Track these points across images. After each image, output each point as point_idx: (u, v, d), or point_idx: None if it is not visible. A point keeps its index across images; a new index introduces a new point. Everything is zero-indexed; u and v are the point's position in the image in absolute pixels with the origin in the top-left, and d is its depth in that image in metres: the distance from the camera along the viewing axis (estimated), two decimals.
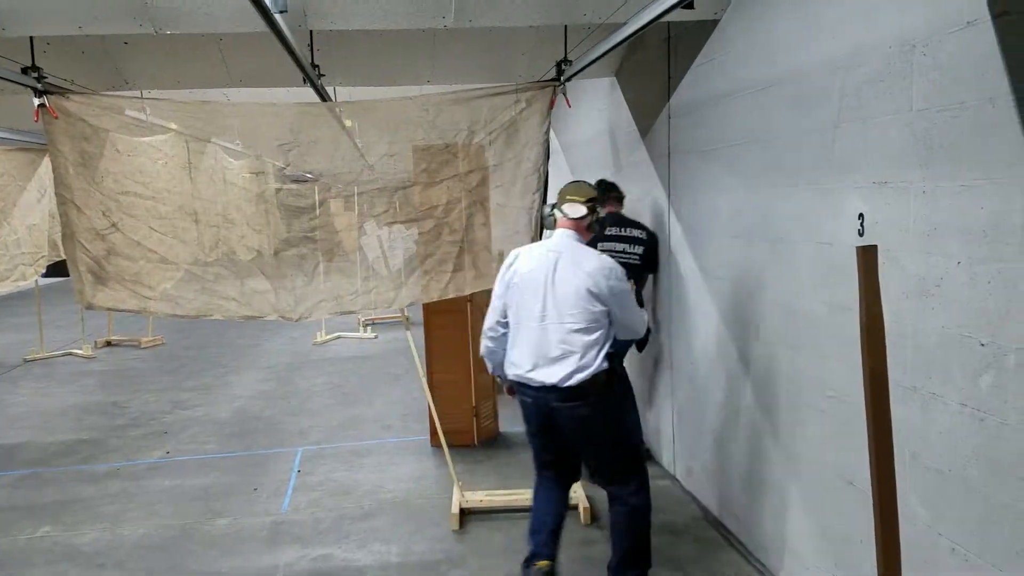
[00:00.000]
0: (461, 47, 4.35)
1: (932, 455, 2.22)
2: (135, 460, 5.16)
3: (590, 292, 2.89)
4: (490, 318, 3.16)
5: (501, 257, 4.03)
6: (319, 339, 8.96)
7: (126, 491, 4.60)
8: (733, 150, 3.39)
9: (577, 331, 2.89)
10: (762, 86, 3.11)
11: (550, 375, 2.89)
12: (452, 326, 5.07)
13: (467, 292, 4.20)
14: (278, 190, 3.81)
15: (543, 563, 3.05)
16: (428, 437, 5.14)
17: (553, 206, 3.14)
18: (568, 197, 3.07)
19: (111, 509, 4.33)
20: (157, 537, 3.96)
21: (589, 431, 2.98)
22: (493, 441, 5.26)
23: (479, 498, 4.10)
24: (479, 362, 5.19)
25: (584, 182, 3.28)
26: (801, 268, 2.89)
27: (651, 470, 4.32)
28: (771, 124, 3.06)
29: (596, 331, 2.90)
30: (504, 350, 3.12)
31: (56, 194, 3.55)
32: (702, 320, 3.86)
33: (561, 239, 3.02)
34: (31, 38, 3.44)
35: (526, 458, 4.82)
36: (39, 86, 3.46)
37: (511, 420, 5.62)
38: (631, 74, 4.75)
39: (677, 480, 4.37)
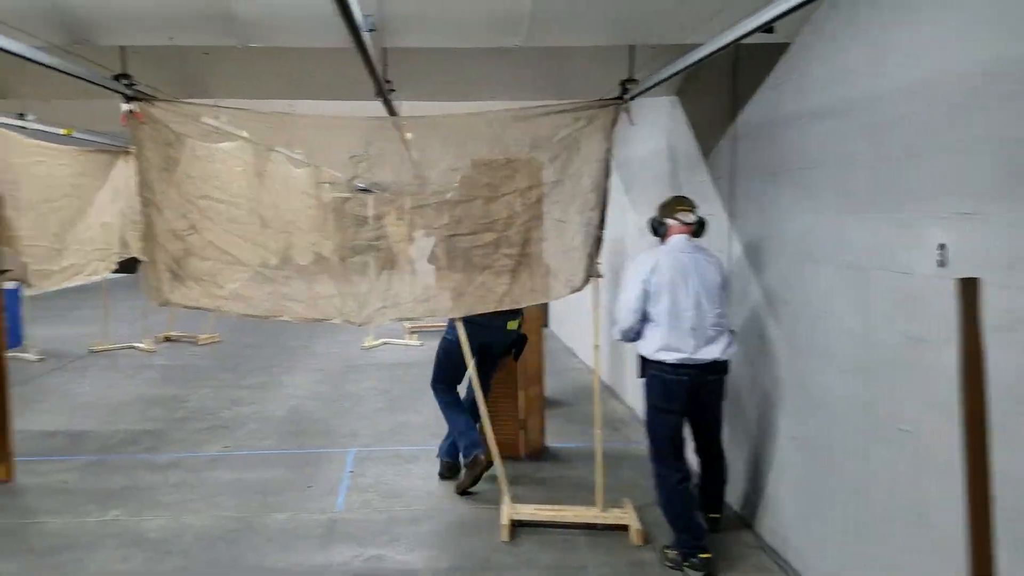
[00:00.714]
0: (525, 64, 4.42)
1: (1013, 497, 2.18)
2: (196, 452, 5.34)
3: (723, 281, 3.67)
4: (630, 316, 3.66)
5: (550, 272, 4.09)
6: (367, 344, 9.12)
7: (187, 482, 4.77)
8: (802, 174, 3.38)
9: (720, 315, 3.61)
10: (835, 110, 3.10)
11: (711, 352, 3.55)
12: None
13: (522, 305, 4.26)
14: (346, 199, 3.93)
15: (706, 555, 3.56)
16: None
17: (661, 217, 3.79)
18: (680, 207, 3.76)
19: (174, 498, 4.50)
20: (218, 528, 4.09)
21: (720, 399, 3.75)
22: (540, 455, 5.29)
23: (529, 511, 4.13)
24: (527, 376, 5.26)
25: (684, 196, 3.93)
26: (874, 296, 2.86)
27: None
28: (844, 149, 3.05)
29: (726, 314, 3.67)
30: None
31: (139, 196, 3.72)
32: (764, 344, 3.84)
33: (684, 243, 3.69)
34: (122, 47, 3.64)
35: (573, 474, 4.89)
36: (128, 92, 3.65)
37: (557, 435, 5.66)
38: (693, 94, 4.77)
39: (731, 506, 4.33)
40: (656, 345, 3.59)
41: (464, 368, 4.44)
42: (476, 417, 4.49)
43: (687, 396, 3.60)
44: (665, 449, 3.66)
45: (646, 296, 3.60)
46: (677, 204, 3.78)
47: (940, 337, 2.48)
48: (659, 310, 3.58)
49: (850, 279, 3.02)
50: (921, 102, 2.55)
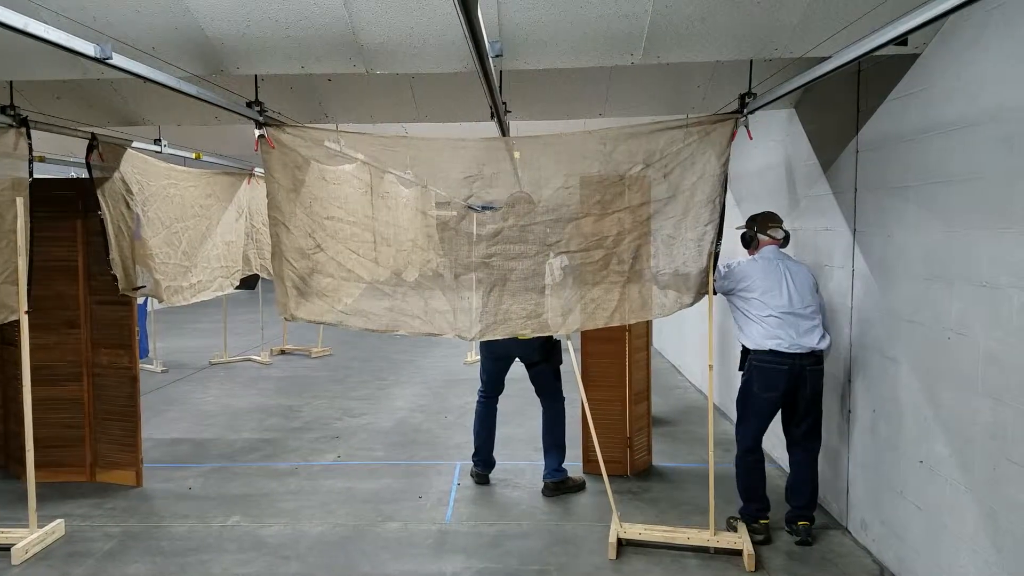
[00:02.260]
0: (635, 80, 4.42)
1: None
2: (311, 461, 5.57)
3: (815, 284, 4.14)
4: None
5: (660, 289, 4.05)
6: (469, 359, 9.26)
7: (304, 489, 4.97)
8: (932, 188, 3.23)
9: (815, 312, 4.03)
10: (967, 123, 2.96)
11: (810, 341, 3.96)
12: (609, 355, 5.11)
13: (630, 322, 4.24)
14: (461, 218, 4.02)
15: (805, 522, 4.06)
16: (581, 464, 5.19)
17: (753, 231, 4.28)
18: (771, 224, 4.26)
19: (291, 505, 4.69)
20: (334, 535, 4.24)
21: (820, 387, 4.05)
22: (646, 474, 5.23)
23: (638, 531, 4.08)
24: (635, 392, 5.22)
25: (773, 212, 4.36)
26: (1010, 316, 2.71)
27: (820, 519, 4.20)
28: (977, 163, 2.90)
29: (819, 310, 4.11)
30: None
31: (269, 216, 3.93)
32: (889, 364, 3.68)
33: (776, 252, 4.20)
34: (256, 76, 3.88)
35: (681, 495, 4.80)
36: (260, 119, 3.87)
37: (663, 454, 5.57)
38: (813, 106, 4.64)
39: (849, 532, 4.15)
40: (759, 337, 4.00)
41: (498, 379, 5.04)
42: (553, 442, 4.94)
43: (785, 384, 3.97)
44: (753, 430, 4.10)
45: (743, 294, 4.09)
46: (768, 221, 4.27)
47: None
48: (759, 308, 4.03)
49: (984, 298, 2.86)
50: None
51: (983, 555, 2.90)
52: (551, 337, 4.54)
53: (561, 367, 5.02)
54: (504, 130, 4.21)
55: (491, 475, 5.10)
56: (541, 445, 5.01)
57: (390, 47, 3.35)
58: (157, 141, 5.94)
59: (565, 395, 5.06)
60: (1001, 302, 2.76)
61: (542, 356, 4.90)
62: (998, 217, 2.78)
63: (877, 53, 2.66)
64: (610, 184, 4.01)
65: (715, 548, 3.94)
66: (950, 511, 3.13)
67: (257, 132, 3.86)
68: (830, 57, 2.88)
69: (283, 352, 9.94)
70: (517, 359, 5.00)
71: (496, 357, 4.97)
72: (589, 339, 5.08)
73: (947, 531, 3.16)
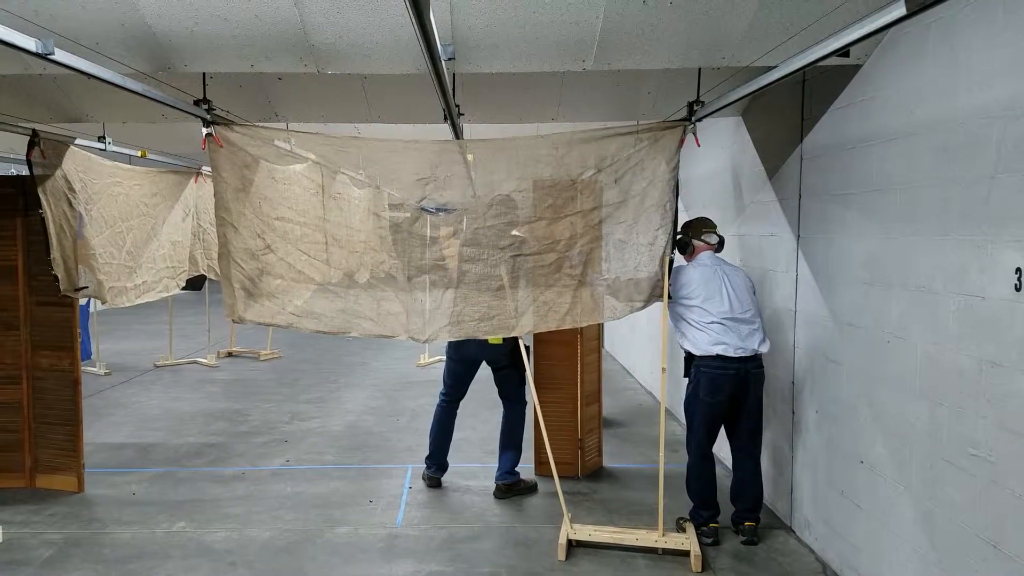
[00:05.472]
0: (587, 85, 4.46)
1: None
2: (259, 465, 5.47)
3: (752, 287, 4.22)
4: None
5: (611, 292, 4.11)
6: (422, 361, 9.22)
7: (251, 494, 4.88)
8: (872, 196, 3.34)
9: (755, 315, 4.11)
10: (907, 132, 3.07)
11: (752, 344, 4.03)
12: (562, 357, 5.14)
13: (582, 324, 4.27)
14: (413, 220, 4.01)
15: (750, 523, 4.14)
16: (533, 465, 5.21)
17: (688, 237, 4.29)
18: (705, 229, 4.31)
19: (238, 510, 4.60)
20: (282, 540, 4.18)
21: (761, 390, 4.14)
22: (597, 475, 5.27)
23: (587, 532, 4.12)
24: (586, 394, 5.26)
25: (707, 218, 4.43)
26: (946, 320, 2.82)
27: (766, 519, 4.29)
28: (915, 171, 3.01)
29: (758, 313, 4.18)
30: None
31: (216, 216, 3.86)
32: (832, 367, 3.78)
33: (712, 258, 4.24)
34: (204, 74, 3.80)
35: (631, 495, 4.86)
36: (208, 117, 3.80)
37: (614, 455, 5.63)
38: (760, 114, 4.75)
39: (794, 531, 4.25)
40: (704, 344, 4.03)
41: (464, 382, 5.01)
42: (511, 443, 4.95)
43: (730, 387, 4.02)
44: (703, 437, 4.14)
45: (683, 301, 4.13)
46: (702, 226, 4.34)
47: (1015, 361, 2.44)
48: (696, 313, 4.07)
49: (921, 302, 2.97)
50: (997, 125, 2.51)
51: (921, 552, 3.00)
52: (519, 342, 4.52)
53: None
54: (457, 132, 4.21)
55: (443, 478, 5.08)
56: (496, 447, 5.02)
57: (341, 47, 3.32)
58: (102, 139, 5.77)
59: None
60: (937, 306, 2.87)
61: (510, 361, 4.87)
62: (934, 224, 2.88)
63: (821, 64, 2.74)
64: (562, 188, 4.05)
65: (663, 549, 3.99)
66: (890, 510, 3.23)
67: (205, 130, 3.79)
68: (776, 67, 2.95)
69: (230, 355, 9.75)
70: (484, 363, 4.96)
71: (465, 361, 4.92)
72: (541, 342, 5.10)
73: (887, 529, 3.26)
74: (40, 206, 4.54)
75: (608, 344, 10.10)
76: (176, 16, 3.19)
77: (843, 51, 2.42)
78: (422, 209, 4.06)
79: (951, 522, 2.80)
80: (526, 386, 4.95)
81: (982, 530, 2.62)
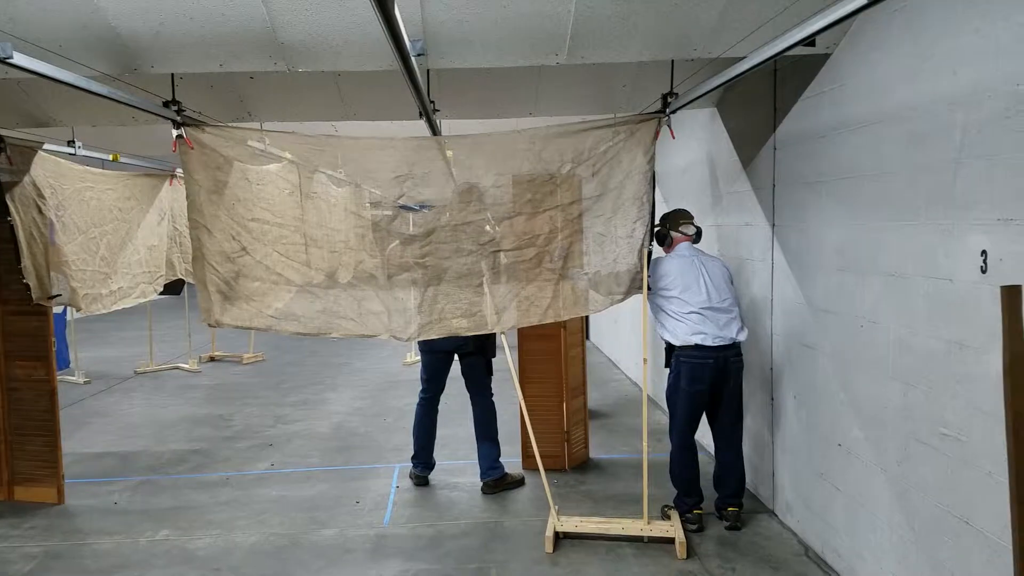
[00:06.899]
0: (564, 80, 4.47)
1: None
2: (243, 470, 5.43)
3: (729, 276, 4.25)
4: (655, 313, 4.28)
5: (592, 285, 4.13)
6: (408, 360, 9.20)
7: (236, 499, 4.85)
8: (843, 183, 3.38)
9: (732, 304, 4.14)
10: (875, 120, 3.10)
11: (731, 333, 4.06)
12: (546, 351, 5.16)
13: (564, 318, 4.29)
14: (392, 218, 3.99)
15: (734, 508, 4.20)
16: (520, 460, 5.22)
17: (666, 228, 4.38)
18: (683, 221, 4.37)
19: (223, 516, 4.57)
20: (268, 545, 4.16)
21: (741, 378, 4.17)
22: (584, 466, 5.30)
23: (574, 523, 4.14)
24: (571, 387, 5.28)
25: (684, 209, 4.48)
26: (916, 304, 2.86)
27: (748, 503, 4.34)
28: (884, 158, 3.05)
29: (736, 302, 4.21)
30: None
31: (189, 219, 3.81)
32: (808, 353, 3.82)
33: (690, 248, 4.27)
34: (172, 74, 3.76)
35: (617, 485, 4.89)
36: (178, 119, 3.75)
37: (600, 446, 5.66)
38: (734, 105, 4.78)
39: (775, 515, 4.30)
40: (684, 334, 4.08)
41: (440, 376, 5.00)
42: (487, 435, 4.97)
43: (711, 376, 4.06)
44: (685, 426, 4.18)
45: (662, 292, 4.17)
46: (680, 217, 4.40)
47: (983, 343, 2.48)
48: (675, 304, 4.11)
49: (893, 287, 3.01)
50: (961, 111, 2.54)
51: (898, 532, 3.04)
52: None
53: (498, 365, 5.03)
54: (434, 129, 4.20)
55: (430, 476, 5.08)
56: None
57: (311, 45, 3.30)
58: (71, 143, 5.69)
59: (502, 392, 5.08)
60: (908, 291, 2.91)
61: (475, 347, 4.89)
62: (904, 210, 2.92)
63: (790, 53, 2.76)
64: (541, 183, 4.05)
65: (649, 537, 4.03)
66: (867, 491, 3.28)
67: (175, 132, 3.74)
68: (745, 57, 2.97)
69: (212, 359, 9.67)
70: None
71: (432, 351, 4.92)
72: (525, 336, 5.12)
73: (864, 510, 3.31)
74: (8, 213, 4.47)
75: (594, 336, 10.14)
76: (140, 17, 3.16)
77: (809, 40, 2.44)
78: (401, 207, 4.05)
79: (925, 501, 2.85)
80: (492, 376, 5.01)
81: (954, 507, 2.67)
